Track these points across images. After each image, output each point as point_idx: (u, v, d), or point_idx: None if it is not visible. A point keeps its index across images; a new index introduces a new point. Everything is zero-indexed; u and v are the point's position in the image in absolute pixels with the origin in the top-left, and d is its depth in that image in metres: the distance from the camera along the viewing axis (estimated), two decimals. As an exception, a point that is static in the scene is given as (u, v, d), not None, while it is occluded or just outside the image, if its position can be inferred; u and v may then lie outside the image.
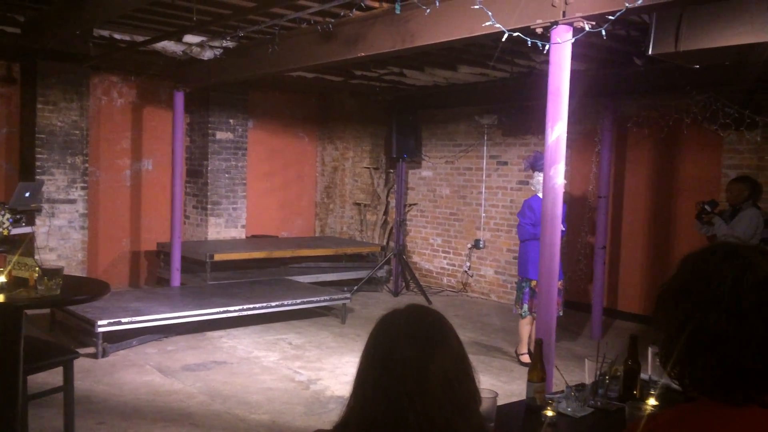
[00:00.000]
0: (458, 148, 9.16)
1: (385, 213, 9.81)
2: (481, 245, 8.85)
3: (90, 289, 2.92)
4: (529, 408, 2.41)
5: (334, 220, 10.19)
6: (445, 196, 9.35)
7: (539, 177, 5.57)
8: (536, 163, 5.69)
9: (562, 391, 2.52)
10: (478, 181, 8.92)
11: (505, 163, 8.62)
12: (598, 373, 2.61)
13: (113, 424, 4.29)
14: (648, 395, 2.43)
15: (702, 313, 1.21)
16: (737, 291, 1.20)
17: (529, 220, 5.67)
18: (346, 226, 10.05)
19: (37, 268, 2.59)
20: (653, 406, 2.21)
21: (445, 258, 9.36)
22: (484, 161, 8.81)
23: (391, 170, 9.72)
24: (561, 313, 5.57)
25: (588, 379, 2.63)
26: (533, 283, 5.56)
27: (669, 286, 1.32)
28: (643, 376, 2.58)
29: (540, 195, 5.58)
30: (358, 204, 9.89)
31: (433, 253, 9.52)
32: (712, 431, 1.20)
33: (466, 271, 9.05)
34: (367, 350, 1.34)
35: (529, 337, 5.76)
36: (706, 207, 5.72)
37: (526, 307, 5.71)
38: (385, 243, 9.68)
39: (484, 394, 2.13)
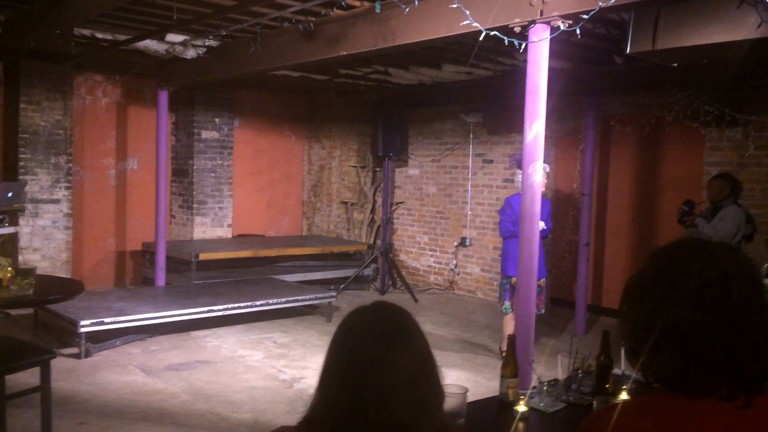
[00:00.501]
0: (444, 146, 9.18)
1: (372, 211, 9.82)
2: (467, 243, 8.88)
3: (64, 288, 2.92)
4: (502, 403, 2.43)
5: (321, 218, 10.19)
6: (432, 195, 9.37)
7: (518, 176, 5.62)
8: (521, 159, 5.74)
9: (536, 387, 2.55)
10: (464, 179, 8.94)
11: (491, 161, 8.65)
12: (572, 368, 2.64)
13: (94, 424, 4.28)
14: (620, 390, 2.45)
15: (668, 305, 1.23)
16: (703, 284, 1.22)
17: (509, 218, 5.68)
18: (333, 224, 10.06)
19: (9, 268, 2.59)
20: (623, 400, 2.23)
21: (431, 256, 9.39)
22: (470, 159, 8.84)
23: (378, 169, 9.73)
24: (543, 311, 5.58)
25: (561, 375, 2.65)
26: (513, 280, 5.60)
27: (636, 279, 1.33)
28: (616, 371, 2.60)
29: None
30: (345, 203, 9.90)
31: (420, 251, 9.54)
32: (669, 422, 1.22)
33: (452, 269, 9.07)
34: (332, 347, 1.35)
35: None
36: (684, 208, 5.77)
37: (507, 303, 5.73)
38: (372, 241, 9.69)
39: (454, 390, 2.16)
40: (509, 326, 5.79)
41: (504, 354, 5.92)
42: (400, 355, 1.28)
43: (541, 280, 5.51)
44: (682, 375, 1.22)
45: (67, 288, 2.89)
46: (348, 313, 1.39)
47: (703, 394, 1.21)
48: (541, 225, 5.48)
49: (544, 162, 5.42)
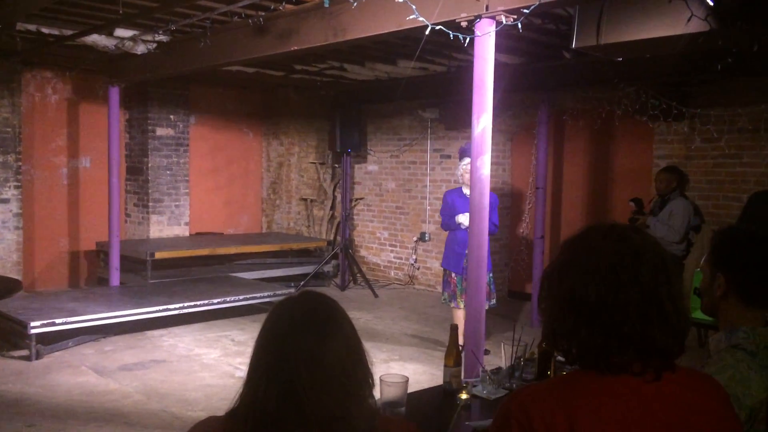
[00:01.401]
0: (402, 142, 9.22)
1: (332, 208, 9.81)
2: (426, 238, 8.93)
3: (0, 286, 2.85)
4: (446, 392, 2.47)
5: (280, 215, 10.14)
6: (391, 190, 9.41)
7: (458, 168, 5.69)
8: (462, 152, 5.71)
9: (479, 375, 2.59)
10: (422, 174, 9.00)
11: (449, 157, 8.71)
12: (514, 356, 2.69)
13: (44, 426, 4.20)
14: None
15: (583, 286, 1.29)
16: (614, 263, 1.29)
17: (443, 212, 5.76)
18: (293, 221, 10.02)
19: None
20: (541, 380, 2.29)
21: (392, 251, 9.43)
22: (428, 155, 8.89)
23: (337, 165, 9.72)
24: (489, 306, 5.42)
25: (505, 363, 2.70)
26: (446, 271, 5.76)
27: (553, 266, 1.40)
28: (559, 358, 2.66)
29: (461, 186, 5.65)
30: (305, 199, 9.87)
31: (380, 246, 9.57)
32: (584, 396, 1.27)
33: (412, 264, 9.13)
34: (260, 339, 1.33)
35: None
36: (632, 203, 5.94)
37: (444, 294, 5.84)
38: (332, 238, 9.69)
39: (394, 379, 2.18)
40: (458, 318, 5.75)
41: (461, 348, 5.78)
42: (331, 346, 1.28)
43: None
44: (600, 352, 1.28)
45: (3, 286, 2.83)
46: (274, 305, 1.39)
47: (617, 371, 1.27)
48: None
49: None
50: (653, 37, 3.64)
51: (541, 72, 6.57)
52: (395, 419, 1.48)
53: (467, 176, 5.42)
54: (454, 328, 2.56)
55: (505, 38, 4.61)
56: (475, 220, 3.90)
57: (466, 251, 5.38)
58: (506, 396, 1.41)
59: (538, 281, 7.05)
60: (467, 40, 3.68)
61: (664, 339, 1.27)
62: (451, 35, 3.68)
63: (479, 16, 3.68)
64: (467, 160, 5.40)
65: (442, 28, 3.69)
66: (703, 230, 5.97)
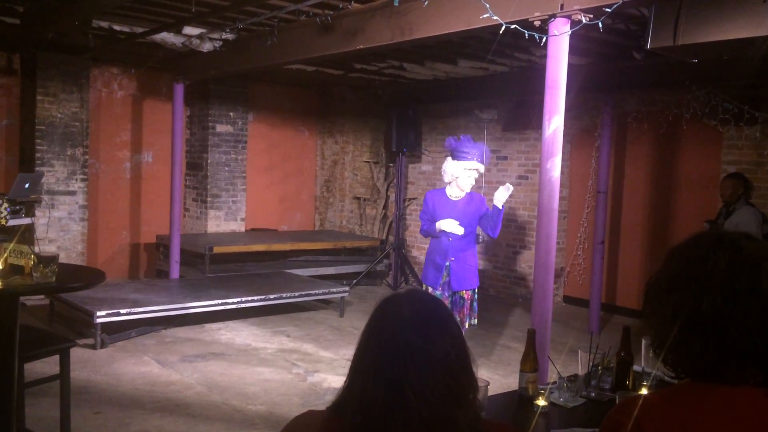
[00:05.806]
0: (458, 142, 9.14)
1: (385, 207, 9.82)
2: (479, 240, 8.83)
3: (85, 276, 2.93)
4: (522, 398, 2.42)
5: (333, 214, 10.19)
6: (445, 191, 9.34)
7: (448, 165, 4.75)
8: (457, 148, 4.75)
9: (555, 382, 2.54)
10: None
11: (505, 158, 8.61)
12: (591, 364, 2.62)
13: (110, 413, 4.31)
14: (641, 386, 2.44)
15: (696, 298, 1.23)
16: (730, 274, 1.22)
17: (424, 216, 4.80)
18: (345, 220, 10.06)
19: (32, 256, 2.60)
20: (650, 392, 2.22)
21: (444, 252, 9.36)
22: (484, 156, 8.79)
23: (391, 164, 9.72)
24: (474, 324, 4.90)
25: (581, 371, 2.64)
26: (428, 289, 4.77)
27: (659, 277, 1.34)
28: (636, 367, 2.59)
29: (445, 187, 4.79)
30: (358, 198, 9.90)
31: (433, 247, 9.52)
32: (701, 409, 1.21)
33: (465, 266, 9.04)
34: (368, 334, 1.31)
35: None
36: (707, 225, 5.76)
37: None
38: (384, 237, 9.69)
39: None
40: None
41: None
42: (439, 344, 1.26)
43: (467, 292, 4.77)
44: (717, 365, 1.22)
45: (89, 276, 2.91)
46: (381, 300, 1.35)
47: (737, 381, 1.21)
48: (459, 229, 4.59)
49: (479, 161, 4.69)
50: (737, 38, 3.51)
51: (606, 73, 6.42)
52: (498, 423, 1.44)
53: (470, 180, 4.70)
54: (531, 333, 2.51)
55: (571, 38, 4.51)
56: (544, 223, 3.83)
57: (446, 263, 4.64)
58: (613, 408, 1.36)
59: (597, 287, 6.91)
60: (543, 40, 3.61)
61: None
62: (526, 34, 3.62)
63: (554, 15, 3.61)
64: (473, 163, 4.69)
65: (517, 27, 3.63)
66: (774, 238, 5.75)
